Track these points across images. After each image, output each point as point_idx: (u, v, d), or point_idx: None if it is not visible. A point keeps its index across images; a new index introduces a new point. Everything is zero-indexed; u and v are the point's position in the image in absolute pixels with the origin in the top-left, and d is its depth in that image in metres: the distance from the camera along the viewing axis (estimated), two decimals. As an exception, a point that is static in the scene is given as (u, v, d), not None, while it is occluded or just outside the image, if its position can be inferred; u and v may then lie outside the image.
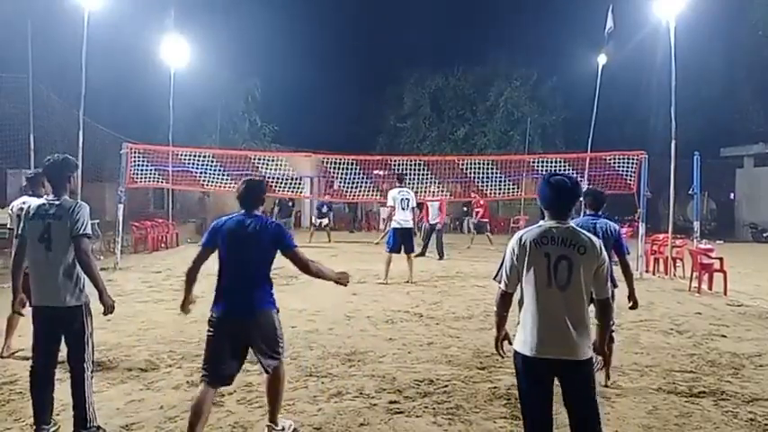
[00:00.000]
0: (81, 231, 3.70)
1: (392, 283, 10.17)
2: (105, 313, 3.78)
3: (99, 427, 3.74)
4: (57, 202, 3.76)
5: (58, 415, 3.84)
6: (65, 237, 3.69)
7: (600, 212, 5.15)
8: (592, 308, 3.08)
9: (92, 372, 3.77)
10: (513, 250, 3.02)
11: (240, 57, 23.11)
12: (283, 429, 3.87)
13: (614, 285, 3.07)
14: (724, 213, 25.83)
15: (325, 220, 19.40)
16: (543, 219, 3.10)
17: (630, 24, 19.16)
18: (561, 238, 2.95)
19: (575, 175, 3.18)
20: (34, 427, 3.73)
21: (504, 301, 3.13)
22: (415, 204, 10.94)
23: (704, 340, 6.57)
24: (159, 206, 21.28)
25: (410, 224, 10.66)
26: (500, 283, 3.13)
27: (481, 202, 17.55)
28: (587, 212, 5.21)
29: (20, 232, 3.83)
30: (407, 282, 10.30)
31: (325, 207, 19.48)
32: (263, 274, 3.68)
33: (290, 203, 19.03)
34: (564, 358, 2.91)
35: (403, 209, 10.54)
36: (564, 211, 3.04)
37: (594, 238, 3.02)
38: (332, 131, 27.57)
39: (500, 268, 3.13)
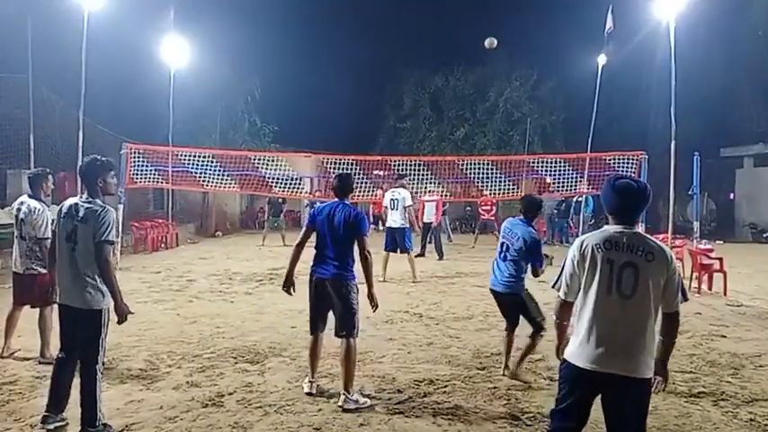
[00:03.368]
0: (103, 238, 3.73)
1: (392, 283, 10.17)
2: (119, 322, 3.85)
3: (106, 425, 3.79)
4: (87, 205, 3.80)
5: (67, 411, 3.86)
6: (89, 240, 3.74)
7: (530, 220, 5.09)
8: None
9: (102, 373, 3.84)
10: (574, 256, 2.86)
11: (240, 57, 23.05)
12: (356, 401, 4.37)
13: (685, 299, 2.82)
14: (724, 213, 25.81)
15: None
16: (607, 223, 2.93)
17: (630, 24, 19.14)
18: (627, 244, 2.75)
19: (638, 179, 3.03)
20: (44, 413, 3.82)
21: (564, 310, 2.98)
22: (406, 204, 10.80)
23: (704, 340, 6.57)
24: (159, 206, 21.25)
25: (398, 224, 10.66)
26: (559, 290, 2.98)
27: (494, 201, 17.40)
28: (521, 217, 5.13)
29: (53, 228, 4.05)
30: (412, 281, 10.36)
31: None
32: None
33: (281, 202, 18.96)
34: (621, 374, 2.69)
35: (393, 209, 10.62)
36: (631, 216, 2.84)
37: (664, 246, 2.81)
38: (332, 131, 27.45)
39: (560, 275, 2.97)
